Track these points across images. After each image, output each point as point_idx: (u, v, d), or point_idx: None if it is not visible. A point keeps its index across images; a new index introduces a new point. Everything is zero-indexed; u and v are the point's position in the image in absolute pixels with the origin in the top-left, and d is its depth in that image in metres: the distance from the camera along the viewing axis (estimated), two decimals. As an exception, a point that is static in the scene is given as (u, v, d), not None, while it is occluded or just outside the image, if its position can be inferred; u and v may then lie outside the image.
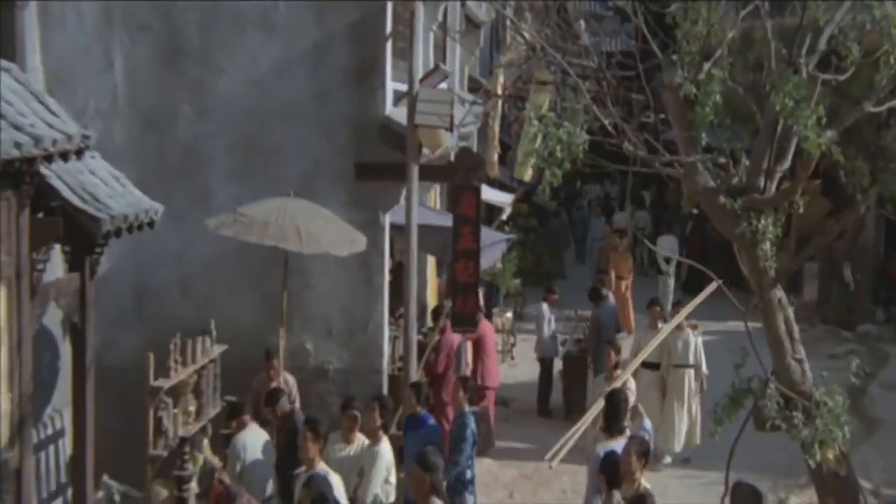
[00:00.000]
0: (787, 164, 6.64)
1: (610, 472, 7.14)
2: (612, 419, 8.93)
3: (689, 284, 24.09)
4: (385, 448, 8.55)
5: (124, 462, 9.90)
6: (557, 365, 15.31)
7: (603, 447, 8.57)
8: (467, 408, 9.66)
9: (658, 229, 26.47)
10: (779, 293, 6.67)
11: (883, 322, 20.47)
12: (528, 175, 15.72)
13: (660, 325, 13.18)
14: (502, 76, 14.46)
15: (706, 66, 6.41)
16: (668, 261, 22.50)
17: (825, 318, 19.81)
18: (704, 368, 13.17)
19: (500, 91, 14.00)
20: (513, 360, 17.57)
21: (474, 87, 18.77)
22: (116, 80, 10.90)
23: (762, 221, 6.34)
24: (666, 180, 23.21)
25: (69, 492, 9.78)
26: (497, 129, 14.48)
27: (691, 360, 13.08)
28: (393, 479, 8.58)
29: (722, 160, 6.43)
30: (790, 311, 6.75)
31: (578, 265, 27.42)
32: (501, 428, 13.86)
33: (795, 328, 6.82)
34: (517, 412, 15.05)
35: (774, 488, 11.86)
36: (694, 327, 13.18)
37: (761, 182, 6.53)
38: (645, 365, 12.88)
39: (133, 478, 9.97)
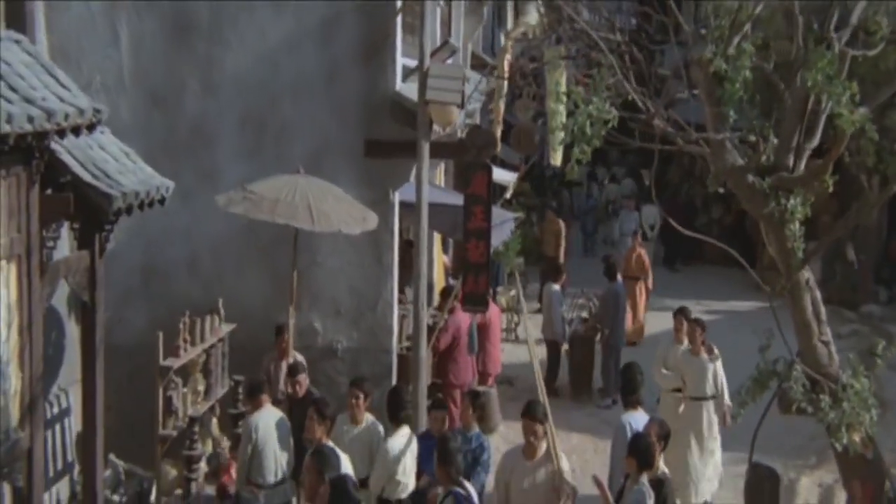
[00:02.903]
0: (815, 142, 6.51)
1: (641, 456, 7.05)
2: (628, 391, 8.90)
3: (668, 258, 24.01)
4: (396, 442, 8.46)
5: (131, 441, 9.81)
6: (564, 344, 15.23)
7: (626, 418, 8.67)
8: (477, 429, 8.96)
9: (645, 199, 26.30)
10: (806, 274, 6.55)
11: (886, 302, 20.43)
12: (560, 160, 15.57)
13: (685, 340, 11.41)
14: (509, 53, 14.28)
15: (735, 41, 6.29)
16: (651, 228, 22.40)
17: (828, 299, 19.37)
18: (727, 399, 11.05)
19: (507, 67, 13.79)
20: (516, 339, 17.47)
21: (477, 63, 18.58)
22: (122, 55, 10.71)
23: (791, 201, 6.20)
24: (694, 158, 22.93)
25: (76, 470, 9.71)
26: (502, 106, 14.32)
27: (709, 391, 11.14)
28: (407, 475, 8.47)
29: (752, 138, 6.29)
30: (817, 293, 6.64)
31: (586, 257, 24.55)
32: (507, 407, 13.75)
33: (822, 309, 6.71)
34: (523, 391, 14.92)
35: (785, 469, 11.83)
36: (710, 351, 11.23)
37: (790, 160, 6.40)
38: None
39: (139, 456, 9.90)
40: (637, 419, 8.54)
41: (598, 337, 14.80)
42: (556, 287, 15.07)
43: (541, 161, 26.32)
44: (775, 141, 6.53)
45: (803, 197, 6.24)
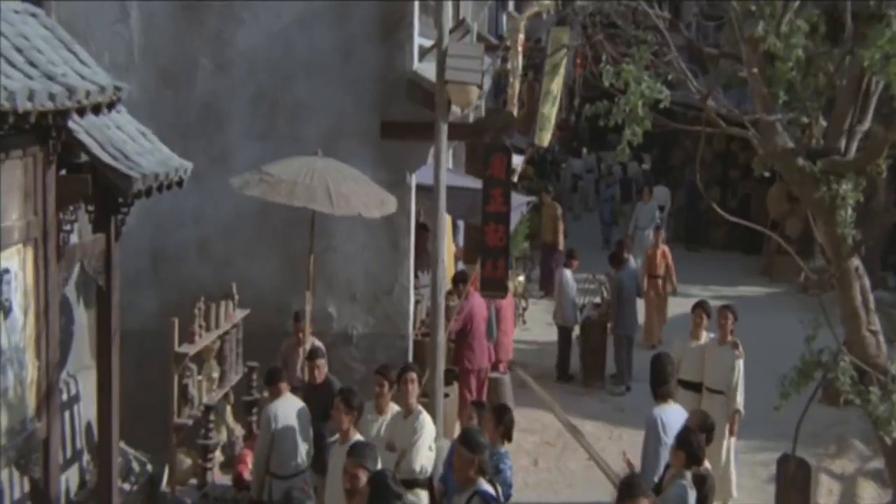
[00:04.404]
0: (867, 123, 6.27)
1: (691, 451, 6.82)
2: (658, 384, 8.60)
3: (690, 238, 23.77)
4: (424, 418, 8.18)
5: (140, 428, 9.54)
6: (575, 330, 15.01)
7: (657, 412, 8.35)
8: (503, 447, 7.69)
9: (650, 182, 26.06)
10: (855, 261, 6.31)
11: (895, 288, 20.26)
12: (547, 140, 15.30)
13: (705, 335, 10.62)
14: (523, 32, 14.00)
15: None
16: (661, 209, 22.12)
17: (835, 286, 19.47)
18: (740, 401, 10.17)
19: (520, 48, 13.53)
20: (524, 324, 17.26)
21: (483, 45, 18.28)
22: (132, 31, 10.42)
23: (843, 186, 5.96)
24: (698, 142, 22.67)
25: (85, 458, 9.48)
26: (517, 86, 14.04)
27: (725, 384, 10.28)
28: (434, 448, 8.21)
29: (805, 119, 6.04)
30: (866, 281, 6.41)
31: (604, 249, 22.22)
32: (519, 393, 13.55)
33: (871, 298, 6.48)
34: (534, 377, 14.72)
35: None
36: (735, 345, 10.31)
37: (842, 143, 6.15)
38: (683, 384, 10.27)
39: (149, 444, 9.66)
40: (668, 413, 8.29)
41: (610, 324, 14.57)
42: (569, 272, 14.84)
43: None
44: (824, 123, 6.29)
45: (855, 182, 6.00)
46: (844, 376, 6.25)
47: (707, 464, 7.23)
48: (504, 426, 7.66)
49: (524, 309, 17.42)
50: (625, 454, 7.89)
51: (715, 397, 10.28)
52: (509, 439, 7.76)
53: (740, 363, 10.22)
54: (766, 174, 6.53)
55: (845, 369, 6.25)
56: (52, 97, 5.68)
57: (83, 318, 9.78)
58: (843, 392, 6.28)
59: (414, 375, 8.19)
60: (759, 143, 6.21)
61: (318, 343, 9.86)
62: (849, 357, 6.32)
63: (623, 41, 7.50)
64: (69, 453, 9.32)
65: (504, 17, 23.34)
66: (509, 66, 13.57)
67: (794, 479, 7.83)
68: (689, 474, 6.78)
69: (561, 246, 19.11)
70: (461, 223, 15.55)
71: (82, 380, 9.46)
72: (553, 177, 28.70)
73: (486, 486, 6.44)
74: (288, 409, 8.46)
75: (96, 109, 6.39)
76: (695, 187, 25.42)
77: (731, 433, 10.15)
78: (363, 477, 5.75)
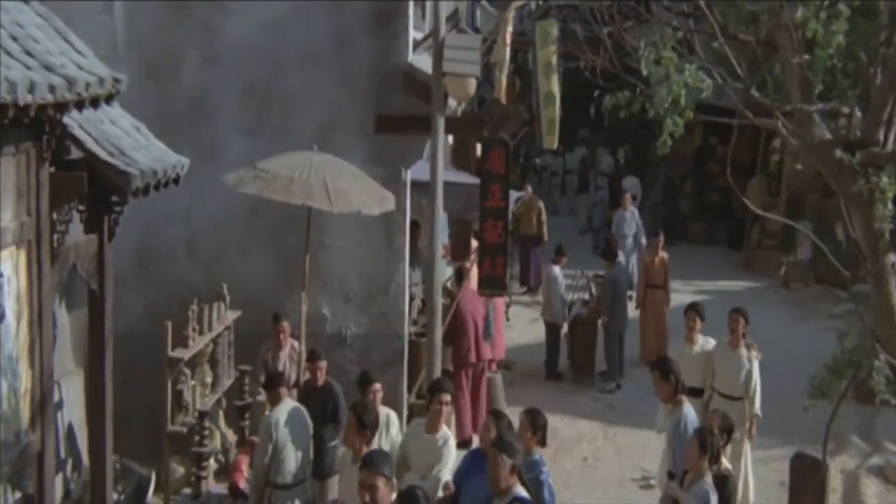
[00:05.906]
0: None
1: (712, 452, 6.59)
2: (676, 382, 8.30)
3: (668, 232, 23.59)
4: (451, 444, 7.81)
5: (127, 434, 9.14)
6: (563, 327, 14.77)
7: (688, 410, 8.04)
8: (538, 454, 7.13)
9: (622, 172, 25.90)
10: (893, 257, 6.10)
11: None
12: (555, 143, 14.99)
13: (699, 339, 10.27)
14: (511, 24, 13.68)
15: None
16: (634, 199, 21.95)
17: (819, 278, 19.37)
18: (758, 406, 9.85)
19: (508, 39, 13.20)
20: (508, 321, 16.98)
21: (463, 37, 17.96)
22: (116, 21, 10.01)
23: (885, 178, 5.72)
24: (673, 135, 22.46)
25: (69, 466, 9.11)
26: (504, 80, 13.73)
27: (740, 390, 9.86)
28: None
29: (845, 109, 5.81)
30: (903, 277, 6.19)
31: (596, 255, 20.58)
32: (509, 392, 13.30)
33: (909, 295, 6.27)
34: (522, 376, 14.53)
35: (802, 454, 11.49)
36: (750, 346, 9.93)
37: (880, 135, 5.93)
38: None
39: (137, 451, 9.28)
40: (689, 414, 8.03)
41: (601, 320, 14.32)
42: (557, 269, 14.59)
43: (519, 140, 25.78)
44: (859, 114, 6.07)
45: (894, 174, 5.77)
46: (879, 376, 6.02)
47: (727, 464, 7.03)
48: (539, 431, 7.13)
49: (507, 306, 17.14)
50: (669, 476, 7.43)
51: (725, 403, 9.73)
52: (543, 444, 7.26)
53: (756, 365, 9.85)
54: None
55: (880, 368, 6.03)
56: (52, 89, 5.31)
57: (65, 322, 9.39)
58: (878, 392, 6.06)
59: (448, 397, 7.72)
60: (793, 134, 5.98)
61: (297, 343, 9.54)
62: (884, 356, 6.10)
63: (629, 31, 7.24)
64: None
65: (478, 11, 23.04)
66: (493, 59, 13.24)
67: (807, 480, 7.63)
68: (709, 475, 6.58)
69: (545, 238, 18.87)
70: (446, 220, 15.24)
71: (66, 386, 9.09)
72: (530, 172, 28.46)
73: (524, 492, 6.18)
74: (289, 416, 8.10)
75: (94, 103, 6.01)
76: (672, 182, 25.35)
77: (749, 438, 9.84)
78: (381, 485, 5.44)
